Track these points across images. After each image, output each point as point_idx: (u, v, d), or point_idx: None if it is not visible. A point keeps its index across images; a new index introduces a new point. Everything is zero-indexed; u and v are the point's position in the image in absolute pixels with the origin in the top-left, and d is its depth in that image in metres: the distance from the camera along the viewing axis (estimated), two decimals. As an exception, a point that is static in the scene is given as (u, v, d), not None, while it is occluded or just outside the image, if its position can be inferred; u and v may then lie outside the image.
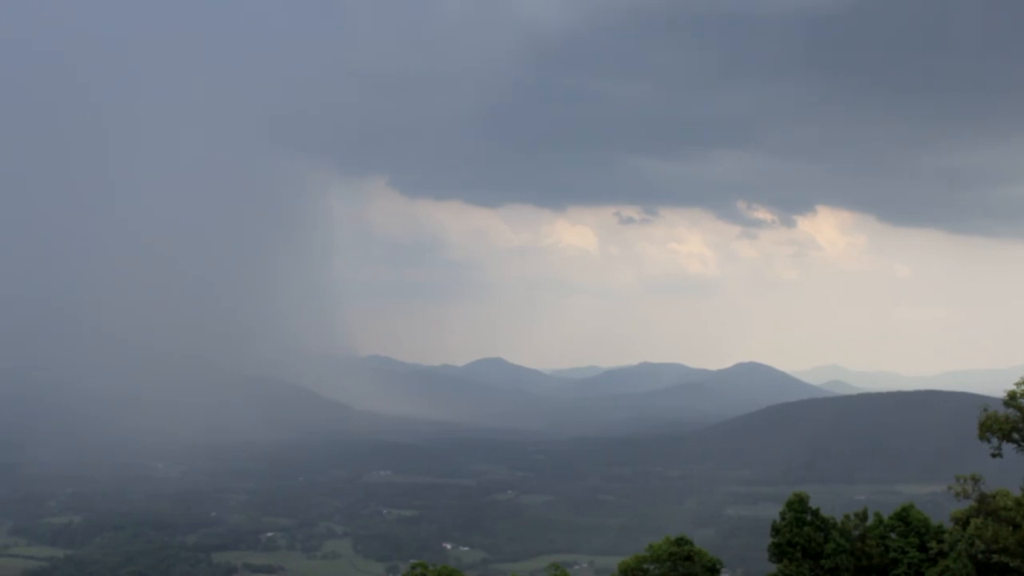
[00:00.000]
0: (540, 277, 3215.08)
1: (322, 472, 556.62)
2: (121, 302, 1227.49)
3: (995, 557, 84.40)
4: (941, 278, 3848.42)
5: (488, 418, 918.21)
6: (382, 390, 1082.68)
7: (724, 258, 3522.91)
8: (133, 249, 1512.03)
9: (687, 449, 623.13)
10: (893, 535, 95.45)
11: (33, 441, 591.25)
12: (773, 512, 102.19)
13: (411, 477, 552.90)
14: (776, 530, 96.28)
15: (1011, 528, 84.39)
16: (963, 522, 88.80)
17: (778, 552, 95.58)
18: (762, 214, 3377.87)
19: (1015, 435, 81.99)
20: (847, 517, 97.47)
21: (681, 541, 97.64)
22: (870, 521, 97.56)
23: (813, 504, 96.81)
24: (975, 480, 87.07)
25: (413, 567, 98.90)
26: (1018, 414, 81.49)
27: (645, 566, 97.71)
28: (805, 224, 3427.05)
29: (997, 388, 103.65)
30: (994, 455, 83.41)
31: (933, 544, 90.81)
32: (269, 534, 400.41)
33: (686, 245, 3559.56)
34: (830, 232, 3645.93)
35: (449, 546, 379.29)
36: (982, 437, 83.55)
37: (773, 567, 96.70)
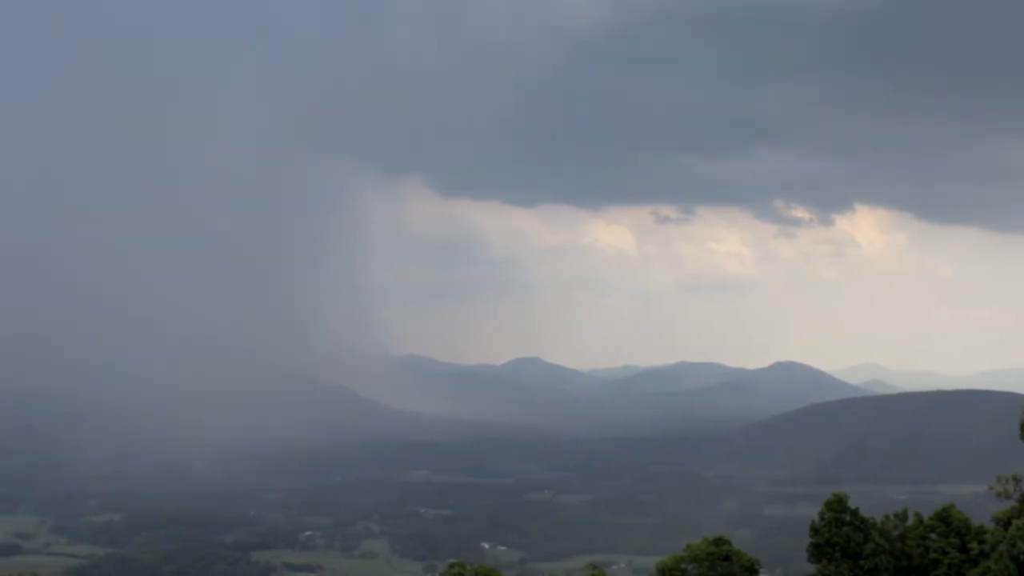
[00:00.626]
0: (577, 276, 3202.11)
1: (359, 471, 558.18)
2: (159, 302, 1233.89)
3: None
4: (982, 277, 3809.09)
5: (525, 417, 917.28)
6: (419, 390, 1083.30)
7: (762, 257, 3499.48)
8: (172, 249, 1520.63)
9: (725, 448, 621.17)
10: (933, 535, 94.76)
11: (74, 440, 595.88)
12: (812, 512, 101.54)
13: (448, 476, 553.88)
14: (815, 530, 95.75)
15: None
16: (1004, 522, 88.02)
17: (817, 552, 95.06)
18: (800, 213, 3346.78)
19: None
20: (887, 517, 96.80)
21: (719, 541, 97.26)
22: (910, 521, 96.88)
23: (852, 504, 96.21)
24: (1016, 480, 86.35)
25: (451, 566, 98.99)
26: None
27: (683, 566, 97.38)
28: (843, 223, 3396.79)
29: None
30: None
31: (974, 545, 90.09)
32: (307, 533, 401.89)
33: (724, 244, 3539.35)
34: (869, 231, 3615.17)
35: (487, 545, 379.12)
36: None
37: (812, 567, 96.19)
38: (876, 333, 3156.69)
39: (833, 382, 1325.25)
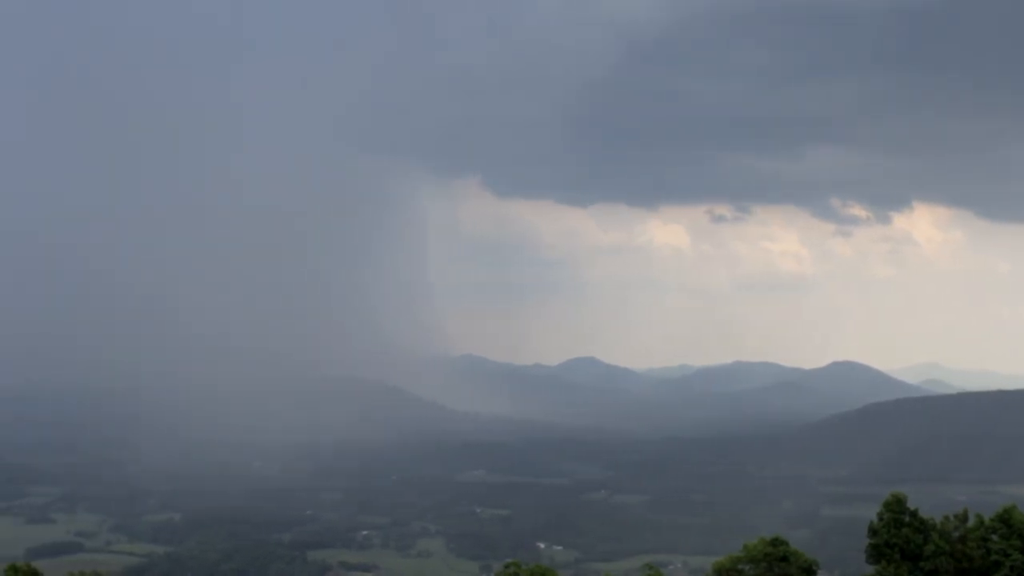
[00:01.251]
0: (632, 276, 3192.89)
1: (415, 471, 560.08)
2: (219, 302, 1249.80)
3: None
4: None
5: (580, 417, 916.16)
6: (474, 389, 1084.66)
7: (818, 256, 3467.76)
8: (232, 251, 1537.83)
9: (781, 448, 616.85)
10: (994, 537, 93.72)
11: (134, 439, 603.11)
12: (870, 513, 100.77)
13: (503, 476, 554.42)
14: (874, 531, 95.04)
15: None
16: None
17: (876, 553, 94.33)
18: (857, 211, 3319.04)
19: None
20: (947, 518, 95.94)
21: (776, 541, 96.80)
22: (971, 522, 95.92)
23: (911, 505, 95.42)
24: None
25: (506, 566, 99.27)
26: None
27: (740, 566, 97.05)
28: (901, 221, 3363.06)
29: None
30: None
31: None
32: (363, 532, 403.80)
33: (780, 243, 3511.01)
34: (927, 228, 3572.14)
35: (542, 545, 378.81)
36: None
37: (870, 569, 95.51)
38: (934, 332, 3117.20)
39: (891, 382, 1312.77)
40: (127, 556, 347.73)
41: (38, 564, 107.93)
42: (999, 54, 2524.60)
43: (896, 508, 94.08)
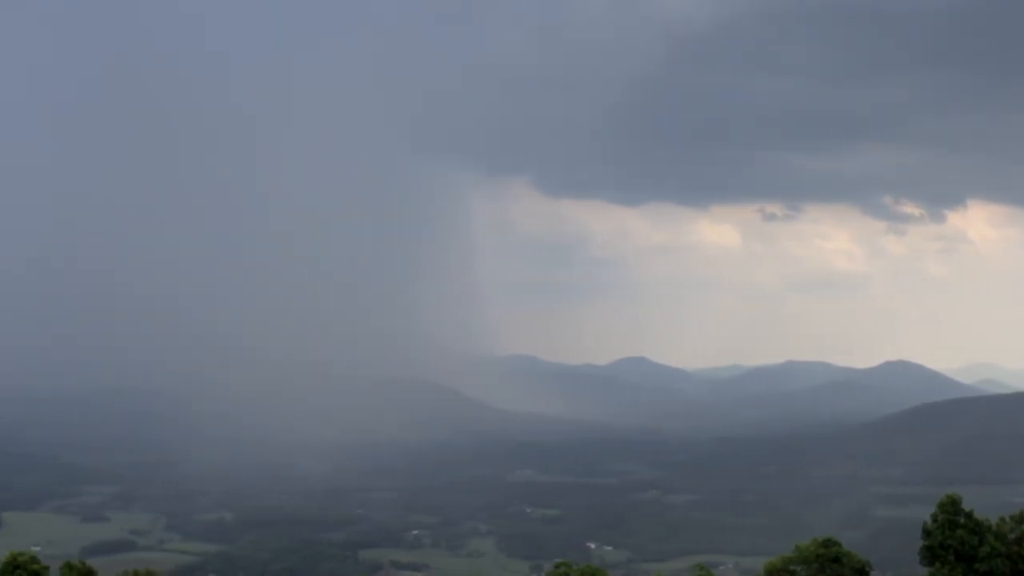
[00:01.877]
0: (683, 275, 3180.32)
1: (465, 471, 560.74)
2: (268, 303, 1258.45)
3: None
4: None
5: (631, 417, 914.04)
6: (524, 389, 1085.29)
7: (871, 254, 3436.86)
8: (279, 250, 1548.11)
9: (833, 449, 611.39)
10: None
11: (186, 440, 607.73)
12: (924, 514, 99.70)
13: (554, 476, 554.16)
14: (928, 532, 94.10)
15: None
16: None
17: (930, 555, 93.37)
18: (910, 209, 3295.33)
19: None
20: (1003, 520, 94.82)
21: (829, 542, 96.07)
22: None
23: (966, 506, 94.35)
24: None
25: (557, 566, 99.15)
26: None
27: (792, 567, 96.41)
28: (955, 219, 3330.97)
29: None
30: None
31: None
32: (414, 532, 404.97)
33: (831, 242, 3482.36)
34: (981, 227, 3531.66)
35: (593, 545, 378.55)
36: None
37: (924, 570, 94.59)
38: (990, 331, 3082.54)
39: (946, 381, 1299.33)
40: (180, 555, 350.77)
41: (93, 562, 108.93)
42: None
43: (951, 509, 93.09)
